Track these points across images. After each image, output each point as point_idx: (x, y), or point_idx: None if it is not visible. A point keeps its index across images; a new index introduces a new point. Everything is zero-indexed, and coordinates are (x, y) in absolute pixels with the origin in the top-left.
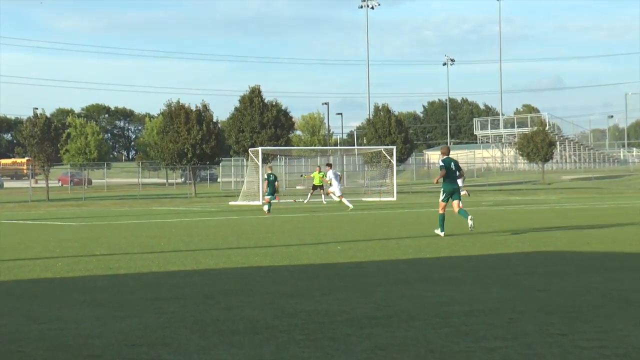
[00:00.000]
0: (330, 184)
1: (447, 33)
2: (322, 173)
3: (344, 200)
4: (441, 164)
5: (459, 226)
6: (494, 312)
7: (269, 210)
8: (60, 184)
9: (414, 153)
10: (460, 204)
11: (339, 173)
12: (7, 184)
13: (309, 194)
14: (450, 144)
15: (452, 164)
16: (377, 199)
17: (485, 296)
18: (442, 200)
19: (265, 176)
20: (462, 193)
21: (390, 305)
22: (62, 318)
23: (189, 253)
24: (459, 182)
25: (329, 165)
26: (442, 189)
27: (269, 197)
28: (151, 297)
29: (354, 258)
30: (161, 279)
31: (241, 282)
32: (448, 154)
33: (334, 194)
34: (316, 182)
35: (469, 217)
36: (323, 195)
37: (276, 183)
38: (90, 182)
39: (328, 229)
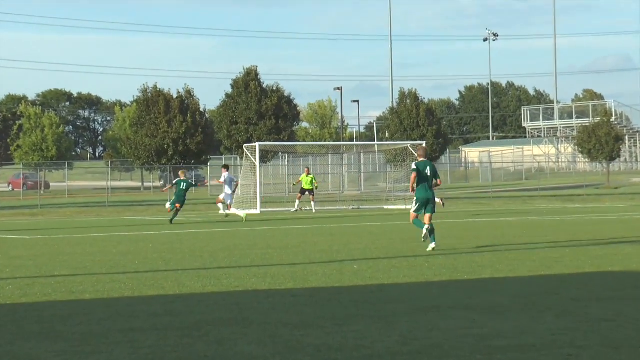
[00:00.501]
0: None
1: (488, 1)
2: (312, 176)
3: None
4: (413, 167)
5: (502, 238)
6: (547, 346)
7: (171, 220)
8: (10, 188)
9: (448, 150)
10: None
11: (234, 178)
12: None
13: (297, 201)
14: (493, 138)
15: (428, 168)
16: (402, 207)
17: (537, 327)
18: (414, 211)
19: (175, 181)
20: (437, 201)
21: (418, 339)
22: (14, 354)
23: (170, 274)
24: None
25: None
26: (415, 198)
27: (169, 205)
28: (123, 327)
29: (374, 280)
30: (136, 305)
31: (234, 310)
32: (425, 156)
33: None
34: (305, 185)
35: (431, 239)
36: (312, 202)
37: (187, 192)
38: (47, 186)
39: (342, 243)
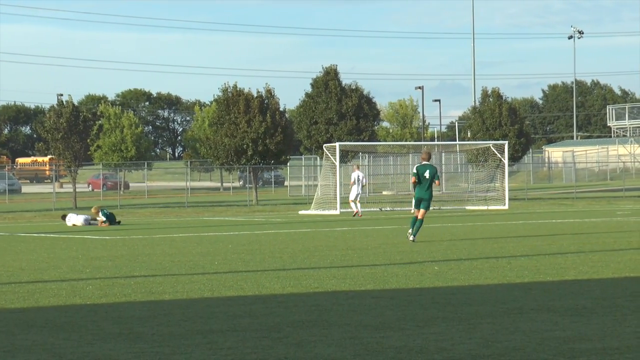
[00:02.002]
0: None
1: None
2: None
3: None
4: (414, 171)
5: (586, 239)
6: (632, 349)
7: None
8: (90, 188)
9: (530, 150)
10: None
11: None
12: (25, 188)
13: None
14: (577, 137)
15: (427, 171)
16: (484, 207)
17: (621, 330)
18: (414, 208)
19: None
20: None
21: (500, 341)
22: (93, 355)
23: (250, 275)
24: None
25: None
26: (414, 197)
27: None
28: (202, 329)
29: (455, 281)
30: (215, 307)
31: (314, 312)
32: (428, 159)
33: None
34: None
35: (413, 231)
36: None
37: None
38: (127, 186)
39: (423, 245)
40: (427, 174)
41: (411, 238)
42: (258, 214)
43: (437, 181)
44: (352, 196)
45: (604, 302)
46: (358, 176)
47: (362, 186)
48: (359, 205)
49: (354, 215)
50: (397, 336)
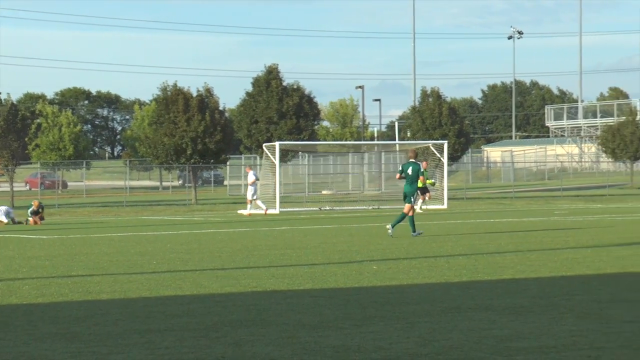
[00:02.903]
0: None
1: None
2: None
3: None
4: (400, 168)
5: (523, 239)
6: (567, 348)
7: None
8: (27, 187)
9: (470, 149)
10: (408, 211)
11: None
12: None
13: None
14: (515, 137)
15: (410, 168)
16: (424, 207)
17: (558, 329)
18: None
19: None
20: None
21: (438, 340)
22: (29, 355)
23: (188, 274)
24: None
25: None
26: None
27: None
28: (140, 328)
29: (393, 280)
30: (153, 306)
31: (253, 311)
32: (414, 157)
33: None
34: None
35: (391, 227)
36: (421, 201)
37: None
38: (65, 185)
39: (362, 244)
40: (410, 171)
41: (390, 231)
42: (197, 213)
43: (421, 177)
44: (252, 196)
45: (541, 300)
46: (255, 175)
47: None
48: (249, 206)
49: (248, 215)
50: (335, 335)
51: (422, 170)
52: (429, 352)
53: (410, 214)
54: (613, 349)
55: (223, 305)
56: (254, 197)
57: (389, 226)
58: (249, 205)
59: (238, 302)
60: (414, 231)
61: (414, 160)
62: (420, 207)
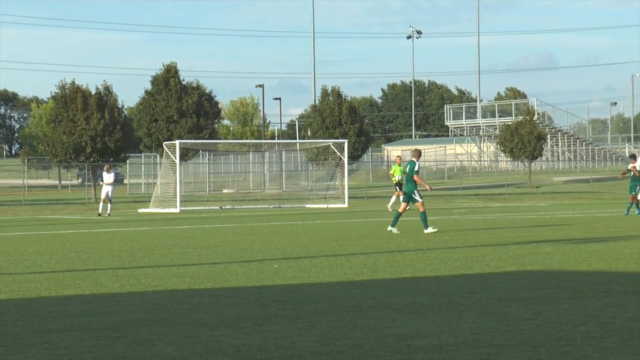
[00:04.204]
0: None
1: None
2: (402, 167)
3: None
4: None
5: (423, 237)
6: (467, 346)
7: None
8: None
9: (370, 148)
10: (404, 209)
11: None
12: None
13: (393, 197)
14: (415, 136)
15: (408, 167)
16: (324, 206)
17: (458, 327)
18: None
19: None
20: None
21: (339, 339)
22: None
23: (88, 273)
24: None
25: None
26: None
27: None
28: (39, 328)
29: (294, 279)
30: (52, 306)
31: (153, 310)
32: (415, 157)
33: None
34: (397, 179)
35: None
36: (394, 198)
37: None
38: None
39: (263, 243)
40: (407, 169)
41: (391, 228)
42: (97, 212)
43: (415, 176)
44: (107, 195)
45: (440, 299)
46: (113, 176)
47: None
48: (102, 206)
49: (99, 215)
50: (237, 334)
51: (415, 169)
52: (330, 350)
53: (422, 209)
54: (512, 346)
55: (123, 304)
56: (109, 197)
57: (390, 228)
58: (102, 205)
59: (138, 302)
60: (426, 227)
61: (413, 160)
62: (392, 206)
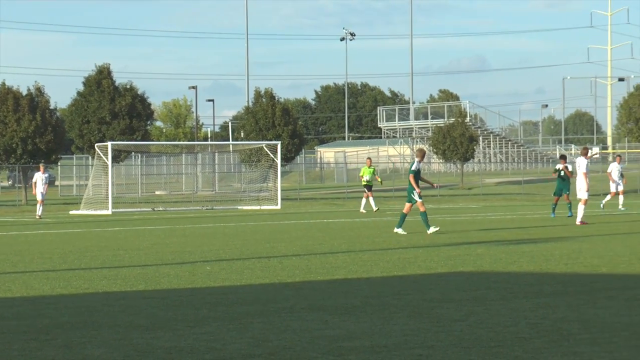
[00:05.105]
0: None
1: (347, 0)
2: (374, 168)
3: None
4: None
5: (356, 239)
6: (399, 347)
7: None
8: None
9: (303, 150)
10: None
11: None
12: None
13: (364, 200)
14: (348, 138)
15: (414, 166)
16: (257, 207)
17: (390, 328)
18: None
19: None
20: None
21: (271, 340)
22: None
23: (18, 276)
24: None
25: None
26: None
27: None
28: None
29: (226, 281)
30: None
31: (84, 313)
32: (419, 157)
33: None
34: (366, 177)
35: (398, 227)
36: (371, 199)
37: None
38: None
39: (195, 245)
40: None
41: (397, 230)
42: (27, 214)
43: (410, 175)
44: (42, 196)
45: (373, 300)
46: (46, 176)
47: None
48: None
49: (39, 217)
50: (168, 336)
51: (411, 168)
52: (262, 352)
53: (422, 209)
54: (443, 347)
55: (54, 307)
56: (42, 199)
57: (396, 229)
58: (40, 207)
59: (69, 304)
60: (428, 227)
61: (416, 159)
62: (364, 207)
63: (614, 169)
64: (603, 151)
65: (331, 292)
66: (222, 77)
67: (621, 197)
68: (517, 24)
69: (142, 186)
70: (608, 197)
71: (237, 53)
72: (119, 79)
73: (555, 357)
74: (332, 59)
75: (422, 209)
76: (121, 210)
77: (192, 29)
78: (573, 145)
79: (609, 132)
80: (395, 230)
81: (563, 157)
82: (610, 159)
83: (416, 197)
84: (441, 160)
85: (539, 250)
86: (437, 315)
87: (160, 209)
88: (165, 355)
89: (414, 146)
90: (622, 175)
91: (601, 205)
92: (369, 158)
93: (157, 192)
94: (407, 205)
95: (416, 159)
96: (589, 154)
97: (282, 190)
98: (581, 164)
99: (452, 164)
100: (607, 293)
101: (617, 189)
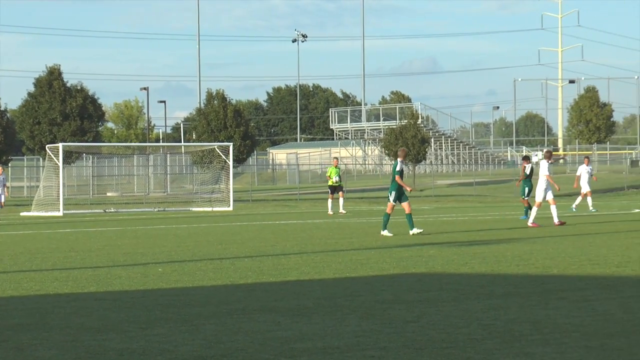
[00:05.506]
0: None
1: (299, 2)
2: (338, 169)
3: None
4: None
5: (309, 240)
6: (351, 348)
7: None
8: None
9: (255, 152)
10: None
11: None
12: None
13: (330, 200)
14: (300, 139)
15: (398, 166)
16: (209, 209)
17: (342, 330)
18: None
19: None
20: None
21: (223, 342)
22: None
23: None
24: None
25: None
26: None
27: None
28: None
29: (179, 283)
30: None
31: (35, 315)
32: (401, 157)
33: None
34: (332, 178)
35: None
36: (341, 200)
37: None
38: None
39: (147, 246)
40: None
41: (382, 233)
42: None
43: (396, 176)
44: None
45: (325, 302)
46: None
47: (4, 187)
48: None
49: None
50: (120, 338)
51: (396, 169)
52: (214, 354)
53: (408, 211)
54: (396, 349)
55: (4, 309)
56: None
57: (384, 232)
58: None
59: (20, 306)
60: (412, 228)
61: (398, 159)
62: (332, 209)
63: (582, 171)
64: (555, 153)
65: (283, 293)
66: (174, 79)
67: (589, 199)
68: (469, 26)
69: (94, 187)
70: (579, 198)
71: (188, 54)
72: (70, 80)
73: (507, 358)
74: (284, 61)
75: (407, 211)
76: (72, 211)
77: (144, 30)
78: (524, 148)
79: (560, 134)
80: (382, 233)
81: (526, 158)
82: (562, 161)
83: (391, 198)
84: (393, 162)
85: (491, 251)
86: (389, 317)
87: (112, 210)
88: (117, 357)
89: (366, 148)
90: (591, 176)
91: (573, 208)
92: (336, 158)
93: (109, 194)
94: (389, 205)
95: (399, 159)
96: (552, 157)
97: (234, 191)
98: (542, 166)
99: (404, 166)
100: (559, 294)
101: (585, 190)
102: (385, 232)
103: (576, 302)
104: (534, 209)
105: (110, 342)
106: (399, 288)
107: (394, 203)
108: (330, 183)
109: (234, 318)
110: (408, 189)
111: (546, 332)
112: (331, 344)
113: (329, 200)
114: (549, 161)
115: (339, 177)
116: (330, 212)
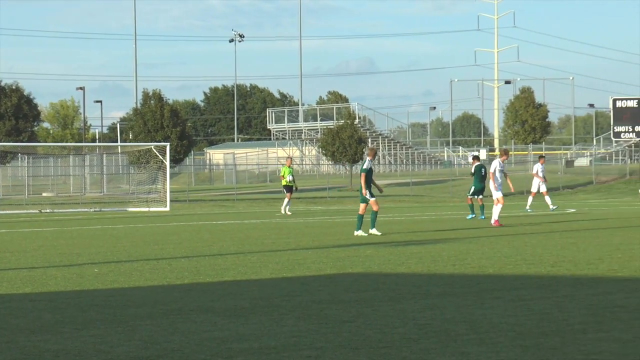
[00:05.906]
0: None
1: (236, 2)
2: (291, 169)
3: None
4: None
5: (245, 241)
6: (288, 348)
7: None
8: None
9: (192, 152)
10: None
11: None
12: None
13: (286, 200)
14: (238, 139)
15: (365, 164)
16: (146, 209)
17: (278, 330)
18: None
19: None
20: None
21: (159, 343)
22: None
23: None
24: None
25: None
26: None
27: None
28: None
29: (115, 284)
30: None
31: None
32: (370, 157)
33: None
34: (286, 178)
35: (363, 230)
36: (287, 200)
37: None
38: None
39: (83, 247)
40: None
41: (355, 233)
42: None
43: (362, 174)
44: None
45: (262, 302)
46: None
47: None
48: None
49: None
50: (55, 339)
51: (362, 167)
52: (150, 354)
53: (375, 209)
54: (332, 349)
55: None
56: None
57: (358, 232)
58: None
59: None
60: (372, 227)
61: (367, 158)
62: (285, 209)
63: (538, 169)
64: (491, 153)
65: (220, 293)
66: (110, 78)
67: (530, 198)
68: (406, 27)
69: (29, 188)
70: (530, 198)
71: (125, 54)
72: (5, 79)
73: (443, 358)
74: (221, 61)
75: (375, 208)
76: (7, 212)
77: (80, 30)
78: (461, 148)
79: (496, 134)
80: (356, 233)
81: (476, 158)
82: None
83: (367, 196)
84: (330, 162)
85: (427, 251)
86: (325, 317)
87: (48, 210)
88: (52, 359)
89: (303, 148)
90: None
91: (527, 208)
92: (290, 158)
93: (45, 194)
94: (362, 205)
95: (367, 158)
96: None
97: (171, 191)
98: (493, 165)
99: (341, 166)
100: (494, 294)
101: (539, 188)
102: (373, 231)
103: (512, 301)
104: (497, 207)
105: (45, 343)
106: (335, 288)
107: (371, 200)
108: (284, 183)
109: (170, 318)
110: (364, 190)
111: (482, 331)
112: (268, 344)
113: (286, 200)
114: (503, 161)
115: (292, 176)
116: (288, 212)
